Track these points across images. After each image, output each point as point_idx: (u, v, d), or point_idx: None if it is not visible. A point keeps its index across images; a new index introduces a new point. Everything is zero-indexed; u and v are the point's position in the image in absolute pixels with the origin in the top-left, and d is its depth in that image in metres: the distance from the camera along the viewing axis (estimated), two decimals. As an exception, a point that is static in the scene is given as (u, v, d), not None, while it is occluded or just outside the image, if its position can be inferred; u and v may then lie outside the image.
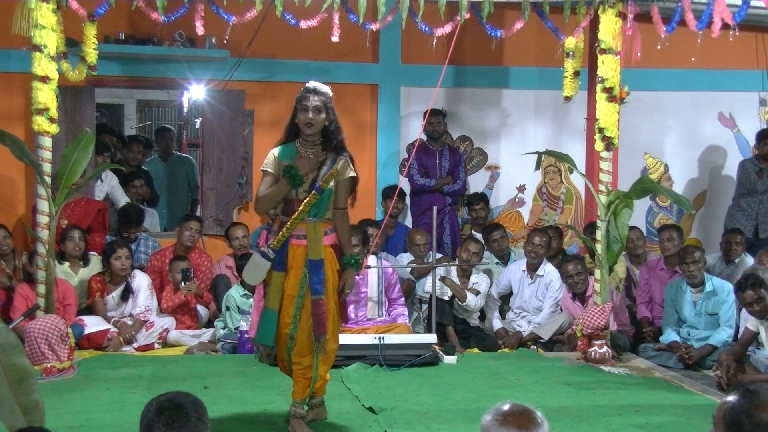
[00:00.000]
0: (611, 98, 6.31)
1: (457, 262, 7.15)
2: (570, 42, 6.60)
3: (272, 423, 4.72)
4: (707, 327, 6.65)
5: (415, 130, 8.36)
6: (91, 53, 6.23)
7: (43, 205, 5.87)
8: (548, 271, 7.20)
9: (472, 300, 6.99)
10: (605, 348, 6.34)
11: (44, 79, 5.76)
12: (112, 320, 6.76)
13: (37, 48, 5.74)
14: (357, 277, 6.27)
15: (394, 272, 6.90)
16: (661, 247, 7.44)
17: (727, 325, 6.55)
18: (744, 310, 6.06)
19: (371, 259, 6.71)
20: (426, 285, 7.03)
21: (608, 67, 6.27)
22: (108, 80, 8.27)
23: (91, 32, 6.17)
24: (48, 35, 5.74)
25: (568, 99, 6.87)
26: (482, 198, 8.32)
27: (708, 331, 6.62)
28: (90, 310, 6.81)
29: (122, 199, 7.98)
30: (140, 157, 8.71)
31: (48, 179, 5.84)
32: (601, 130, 6.36)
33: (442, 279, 6.94)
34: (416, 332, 6.85)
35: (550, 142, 8.62)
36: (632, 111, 7.65)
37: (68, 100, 7.57)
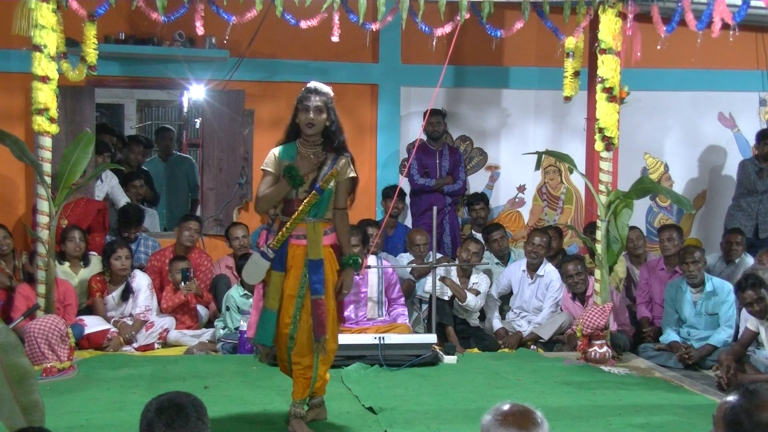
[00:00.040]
0: (611, 98, 6.31)
1: (457, 262, 7.15)
2: (570, 42, 6.60)
3: (272, 423, 4.72)
4: (707, 327, 6.65)
5: (415, 130, 8.36)
6: (91, 53, 6.23)
7: (43, 205, 5.87)
8: (548, 271, 7.20)
9: (472, 300, 6.99)
10: (605, 348, 6.34)
11: (44, 79, 5.76)
12: (112, 320, 6.76)
13: (37, 48, 5.74)
14: (357, 277, 6.32)
15: (394, 272, 6.90)
16: (661, 247, 7.44)
17: (727, 325, 6.56)
18: (744, 310, 6.06)
19: (371, 259, 6.71)
20: (426, 285, 7.03)
21: (608, 67, 6.27)
22: (108, 80, 8.27)
23: (91, 32, 6.17)
24: (48, 35, 5.74)
25: (568, 99, 6.87)
26: (482, 198, 8.32)
27: (708, 331, 6.62)
28: (90, 310, 6.81)
29: (122, 199, 7.98)
30: (140, 158, 8.72)
31: (48, 179, 5.84)
32: (601, 130, 6.36)
33: (442, 279, 6.94)
34: (416, 332, 6.85)
35: (550, 142, 8.62)
36: (632, 111, 7.66)
37: (68, 100, 7.57)
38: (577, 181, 8.71)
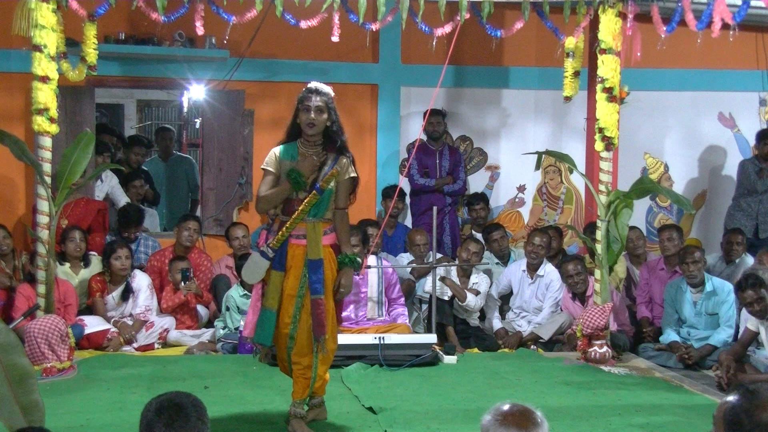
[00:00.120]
0: (611, 98, 6.31)
1: (457, 262, 7.15)
2: (570, 42, 6.60)
3: (272, 423, 4.72)
4: (707, 327, 6.65)
5: (415, 130, 8.36)
6: (91, 53, 6.23)
7: (43, 205, 5.87)
8: (548, 271, 7.20)
9: (472, 300, 6.99)
10: (605, 348, 6.34)
11: (44, 79, 5.76)
12: (112, 320, 6.76)
13: (37, 48, 5.74)
14: (357, 277, 6.32)
15: (394, 272, 6.90)
16: (661, 247, 7.44)
17: (727, 325, 6.56)
18: (744, 310, 6.06)
19: (371, 259, 6.71)
20: (426, 285, 7.03)
21: (608, 67, 6.27)
22: (108, 80, 8.27)
23: (91, 32, 6.17)
24: (48, 35, 5.74)
25: (568, 99, 6.87)
26: (482, 198, 8.32)
27: (708, 331, 6.62)
28: (90, 310, 6.81)
29: (122, 199, 7.98)
30: (141, 158, 8.72)
31: (48, 179, 5.84)
32: (601, 130, 6.36)
33: (442, 279, 6.94)
34: (416, 332, 6.85)
35: (550, 142, 8.62)
36: (632, 111, 7.66)
37: (68, 100, 7.58)
38: (577, 181, 8.71)
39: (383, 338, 6.10)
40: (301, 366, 4.45)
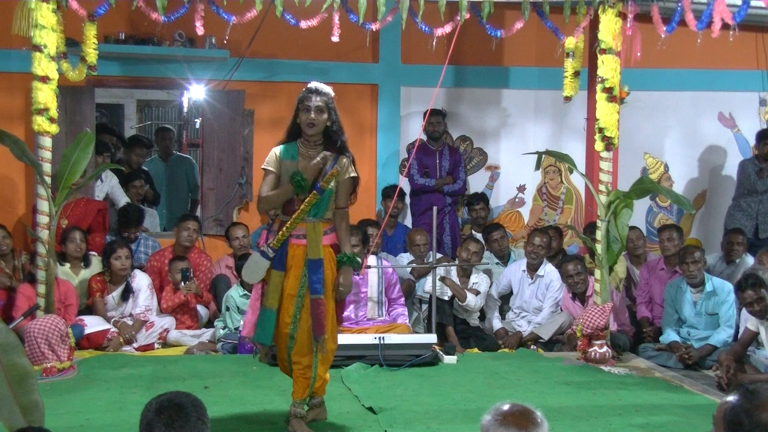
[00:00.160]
0: (611, 98, 6.31)
1: (457, 262, 7.15)
2: (570, 42, 6.60)
3: (272, 423, 4.72)
4: (707, 327, 6.65)
5: (415, 130, 8.36)
6: (91, 53, 6.23)
7: (43, 205, 5.87)
8: (548, 271, 7.20)
9: (472, 300, 6.99)
10: (605, 348, 6.34)
11: (44, 79, 5.76)
12: (112, 320, 6.76)
13: (37, 48, 5.74)
14: (357, 277, 6.32)
15: (394, 272, 6.90)
16: (661, 247, 7.44)
17: (727, 325, 6.56)
18: (744, 310, 6.06)
19: (371, 259, 6.71)
20: (426, 285, 7.03)
21: (608, 67, 6.27)
22: (108, 80, 8.27)
23: (91, 32, 6.17)
24: (48, 35, 5.74)
25: (568, 99, 6.87)
26: (482, 198, 8.32)
27: (708, 331, 6.62)
28: (90, 310, 6.81)
29: (122, 199, 7.98)
30: (142, 159, 8.72)
31: (48, 179, 5.84)
32: (601, 130, 6.36)
33: (442, 279, 6.94)
34: (416, 332, 6.85)
35: (550, 142, 8.62)
36: (632, 111, 7.66)
37: (68, 100, 7.58)
38: (577, 181, 8.71)
39: (383, 338, 6.10)
40: (301, 366, 4.45)
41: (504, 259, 7.79)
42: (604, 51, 6.27)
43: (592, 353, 6.32)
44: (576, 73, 6.71)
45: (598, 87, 6.35)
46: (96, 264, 6.98)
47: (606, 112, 6.32)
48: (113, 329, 6.67)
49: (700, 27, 5.93)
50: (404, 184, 8.04)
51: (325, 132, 4.48)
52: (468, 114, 8.76)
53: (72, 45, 6.40)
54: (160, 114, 13.28)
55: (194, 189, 9.03)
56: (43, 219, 5.87)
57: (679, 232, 7.46)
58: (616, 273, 6.95)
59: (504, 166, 8.82)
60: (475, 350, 6.82)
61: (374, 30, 6.31)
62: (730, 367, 5.71)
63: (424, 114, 7.50)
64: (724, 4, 5.74)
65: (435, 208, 7.00)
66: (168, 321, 6.90)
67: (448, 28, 6.29)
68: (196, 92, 8.41)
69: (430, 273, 6.86)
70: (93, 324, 6.63)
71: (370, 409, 4.97)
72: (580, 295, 6.96)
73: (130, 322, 6.77)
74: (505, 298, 7.49)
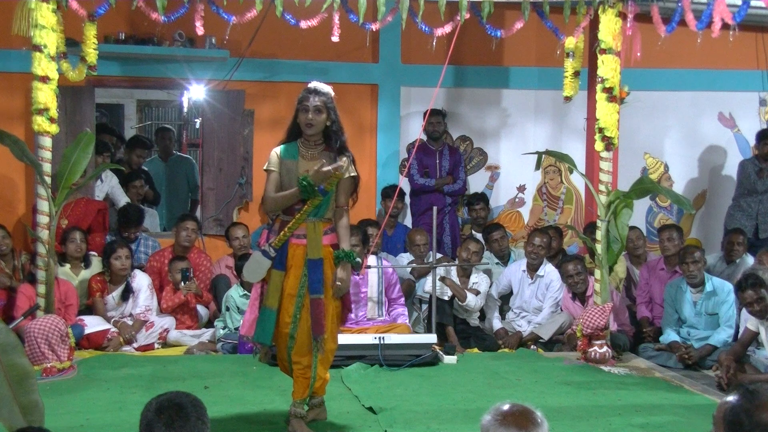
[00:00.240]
0: (611, 98, 6.31)
1: (457, 262, 7.15)
2: (570, 42, 6.60)
3: (272, 423, 4.72)
4: (707, 327, 6.65)
5: (415, 130, 8.36)
6: (91, 53, 6.23)
7: (43, 205, 5.87)
8: (548, 271, 7.20)
9: (472, 300, 6.99)
10: (605, 348, 6.34)
11: (44, 79, 5.76)
12: (112, 320, 6.76)
13: (37, 48, 5.74)
14: (357, 277, 6.32)
15: (394, 272, 6.90)
16: (661, 247, 7.44)
17: (727, 325, 6.56)
18: (744, 310, 6.06)
19: (371, 259, 6.71)
20: (426, 285, 7.03)
21: (608, 67, 6.27)
22: (108, 80, 8.27)
23: (91, 32, 6.17)
24: (48, 35, 5.74)
25: (568, 99, 6.87)
26: (482, 198, 8.32)
27: (708, 331, 6.62)
28: (90, 310, 6.81)
29: (122, 199, 7.98)
30: (143, 159, 8.71)
31: (48, 179, 5.84)
32: (601, 130, 6.36)
33: (442, 279, 6.94)
34: (416, 332, 6.85)
35: (550, 142, 8.62)
36: (632, 111, 7.66)
37: (68, 100, 7.58)
38: (577, 181, 8.71)
39: (383, 338, 6.10)
40: (301, 366, 4.45)
41: (504, 259, 7.79)
42: (604, 51, 6.27)
43: (592, 353, 6.32)
44: (576, 73, 6.71)
45: (598, 87, 6.35)
46: (96, 264, 6.98)
47: (606, 112, 6.32)
48: (113, 329, 6.68)
49: (700, 27, 5.92)
50: (404, 184, 8.04)
51: (325, 132, 4.49)
52: (468, 114, 8.76)
53: (72, 45, 6.40)
54: (160, 114, 13.28)
55: (194, 189, 9.03)
56: (43, 219, 5.87)
57: (679, 232, 7.46)
58: (616, 273, 6.96)
59: (504, 166, 8.82)
60: (475, 350, 6.82)
61: (374, 30, 6.31)
62: (730, 367, 5.71)
63: (424, 114, 7.50)
64: (724, 4, 5.74)
65: (435, 208, 7.01)
66: (168, 321, 6.90)
67: (448, 28, 6.29)
68: (196, 92, 8.41)
69: (430, 273, 6.86)
70: (93, 324, 6.63)
71: (370, 409, 4.97)
72: (580, 295, 6.96)
73: (130, 322, 6.77)
74: (505, 298, 7.49)
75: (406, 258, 7.57)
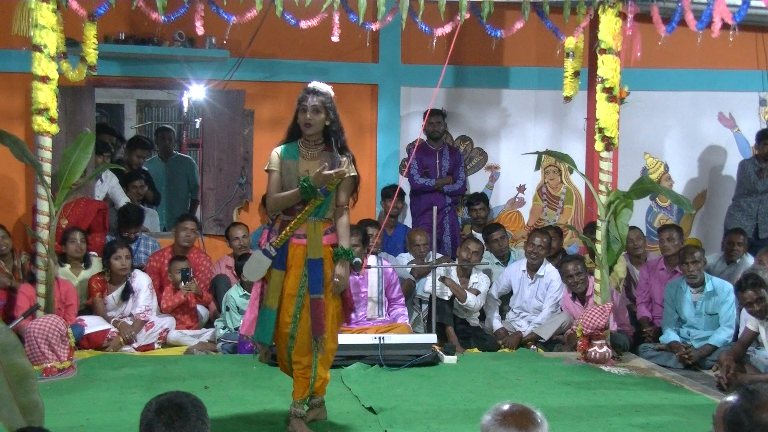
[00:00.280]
0: (611, 98, 6.31)
1: (457, 262, 7.15)
2: (570, 42, 6.60)
3: (272, 423, 4.72)
4: (707, 327, 6.65)
5: (415, 130, 8.36)
6: (91, 53, 6.23)
7: (43, 205, 5.87)
8: (548, 271, 7.20)
9: (472, 300, 6.99)
10: (605, 348, 6.34)
11: (44, 79, 5.76)
12: (112, 320, 6.76)
13: (37, 48, 5.74)
14: (357, 277, 6.32)
15: (394, 272, 6.90)
16: (661, 247, 7.44)
17: (727, 325, 6.56)
18: (744, 310, 6.06)
19: (371, 259, 6.71)
20: (426, 285, 7.03)
21: (608, 67, 6.27)
22: (108, 80, 8.27)
23: (91, 32, 6.17)
24: (48, 35, 5.74)
25: (568, 99, 6.87)
26: (482, 198, 8.32)
27: (708, 331, 6.62)
28: (90, 310, 6.81)
29: (122, 199, 7.97)
30: (142, 159, 8.71)
31: (48, 179, 5.84)
32: (601, 130, 6.36)
33: (442, 279, 6.94)
34: (416, 332, 6.85)
35: (550, 142, 8.62)
36: (632, 111, 7.66)
37: (68, 100, 7.58)
38: (577, 181, 8.71)
39: (383, 338, 6.10)
40: (301, 366, 4.45)
41: (504, 259, 7.79)
42: (604, 51, 6.27)
43: (592, 353, 6.32)
44: (576, 73, 6.71)
45: (598, 87, 6.35)
46: (96, 264, 6.98)
47: (606, 112, 6.32)
48: (113, 329, 6.68)
49: (700, 27, 5.93)
50: (404, 184, 8.04)
51: (324, 131, 4.49)
52: (468, 114, 8.76)
53: (72, 45, 6.40)
54: (160, 114, 13.28)
55: (194, 189, 9.03)
56: (43, 219, 5.87)
57: (679, 232, 7.46)
58: (616, 273, 6.96)
59: (504, 166, 8.82)
60: (475, 350, 6.82)
61: (374, 30, 6.31)
62: (730, 367, 5.71)
63: (424, 114, 7.50)
64: (724, 4, 5.74)
65: (435, 208, 7.01)
66: (168, 321, 6.90)
67: (448, 28, 6.29)
68: (196, 92, 8.41)
69: (430, 273, 6.86)
70: (93, 324, 6.63)
71: (370, 409, 4.97)
72: (580, 295, 6.96)
73: (130, 322, 6.77)
74: (505, 298, 7.49)
75: (406, 258, 7.57)
